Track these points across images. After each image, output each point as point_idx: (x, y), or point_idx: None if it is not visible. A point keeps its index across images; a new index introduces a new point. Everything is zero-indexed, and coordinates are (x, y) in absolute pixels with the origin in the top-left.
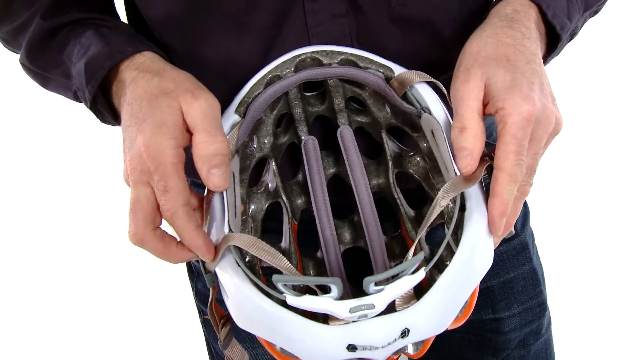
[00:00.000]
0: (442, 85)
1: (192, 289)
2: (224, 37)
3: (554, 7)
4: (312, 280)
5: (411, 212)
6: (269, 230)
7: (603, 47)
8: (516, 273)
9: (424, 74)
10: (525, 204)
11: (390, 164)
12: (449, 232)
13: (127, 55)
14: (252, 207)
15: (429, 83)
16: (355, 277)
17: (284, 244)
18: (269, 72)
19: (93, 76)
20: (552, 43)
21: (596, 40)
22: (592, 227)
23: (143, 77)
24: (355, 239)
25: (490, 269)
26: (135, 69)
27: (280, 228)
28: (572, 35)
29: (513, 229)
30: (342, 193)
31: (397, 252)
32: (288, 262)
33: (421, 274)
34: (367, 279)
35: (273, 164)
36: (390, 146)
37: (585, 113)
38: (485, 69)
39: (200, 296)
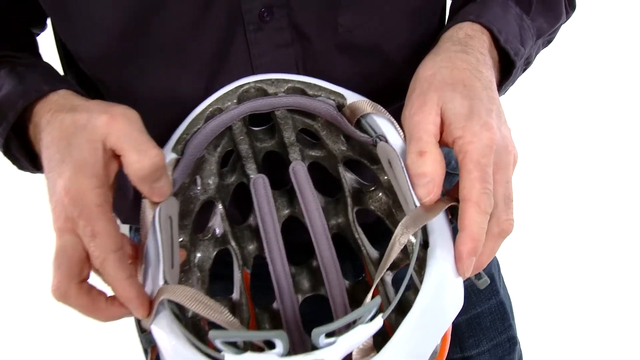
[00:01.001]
0: (392, 118)
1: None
2: (162, 72)
3: (506, 33)
4: (252, 335)
5: (374, 253)
6: (219, 277)
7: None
8: (483, 308)
9: (377, 105)
10: None
11: (349, 200)
12: (409, 272)
13: (42, 94)
14: (198, 255)
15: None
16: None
17: (235, 295)
18: (209, 105)
19: (5, 118)
20: (506, 70)
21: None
22: (562, 250)
23: (57, 117)
24: (315, 286)
25: None
26: (49, 109)
27: (231, 274)
28: (527, 64)
29: (486, 277)
30: (299, 235)
31: (361, 299)
32: (231, 316)
33: (378, 322)
34: (315, 331)
35: (220, 206)
36: (348, 181)
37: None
38: (442, 94)
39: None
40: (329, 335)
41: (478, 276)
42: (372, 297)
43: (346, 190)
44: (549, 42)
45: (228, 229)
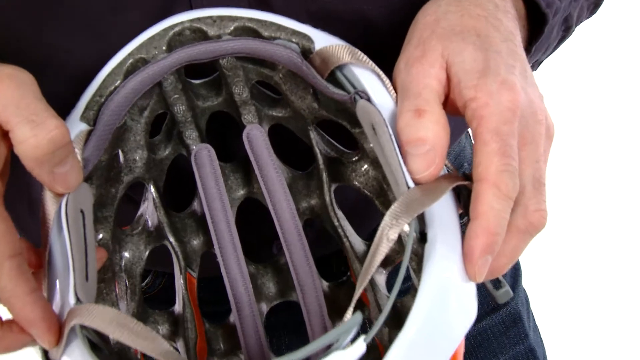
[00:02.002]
0: (379, 70)
1: None
2: (81, 45)
3: None
4: None
5: (361, 246)
6: (159, 282)
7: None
8: (508, 356)
9: (358, 52)
10: None
11: (324, 175)
12: (401, 272)
13: None
14: (126, 255)
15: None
16: (294, 342)
17: (178, 307)
18: (130, 54)
19: None
20: (537, 29)
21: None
22: (604, 281)
23: None
24: (284, 291)
25: (473, 353)
26: None
27: (171, 281)
28: (567, 28)
29: (508, 287)
30: (259, 224)
31: (344, 306)
32: (166, 345)
33: (359, 348)
34: None
35: (152, 189)
36: (322, 149)
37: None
38: (448, 44)
39: None
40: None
41: (497, 284)
42: (356, 308)
43: (320, 160)
44: (596, 5)
45: (164, 219)
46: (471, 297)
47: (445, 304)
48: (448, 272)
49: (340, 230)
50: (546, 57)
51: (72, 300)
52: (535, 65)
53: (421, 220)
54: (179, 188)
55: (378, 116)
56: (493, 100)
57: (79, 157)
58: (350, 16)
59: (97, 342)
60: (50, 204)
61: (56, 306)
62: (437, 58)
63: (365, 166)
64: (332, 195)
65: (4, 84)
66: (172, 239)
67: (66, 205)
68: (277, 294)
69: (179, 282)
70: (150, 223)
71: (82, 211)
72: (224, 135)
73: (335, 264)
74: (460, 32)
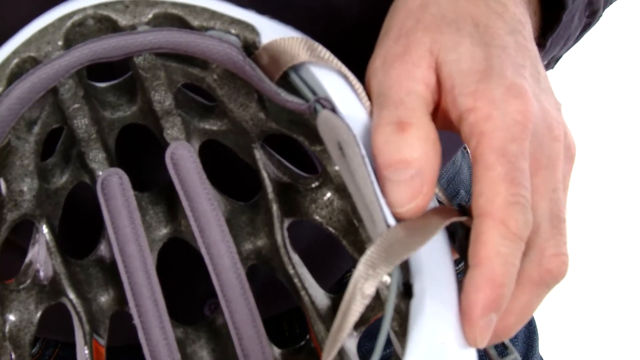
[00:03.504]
0: (346, 70)
1: None
2: None
3: None
4: None
5: (324, 300)
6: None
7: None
8: None
9: (318, 47)
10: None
11: (274, 207)
12: (381, 333)
13: None
14: (11, 318)
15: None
16: None
17: None
18: (14, 53)
19: None
20: (553, 15)
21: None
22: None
23: None
24: None
25: None
26: None
27: (72, 357)
28: (592, 12)
29: (517, 354)
30: (188, 274)
31: None
32: None
33: None
34: None
35: (45, 229)
36: (271, 173)
37: None
38: (437, 37)
39: None
40: None
41: (503, 350)
42: None
43: (269, 188)
44: None
45: (61, 269)
46: None
47: None
48: (441, 337)
49: (296, 280)
50: (565, 52)
51: None
52: (551, 63)
53: (405, 269)
54: (80, 227)
55: (347, 132)
56: (498, 110)
57: None
58: (314, 8)
59: None
60: None
61: None
62: (424, 55)
63: (329, 195)
64: (285, 234)
65: None
66: (72, 296)
67: None
68: None
69: (82, 352)
70: (42, 274)
71: None
72: (140, 156)
73: (288, 325)
74: (454, 20)
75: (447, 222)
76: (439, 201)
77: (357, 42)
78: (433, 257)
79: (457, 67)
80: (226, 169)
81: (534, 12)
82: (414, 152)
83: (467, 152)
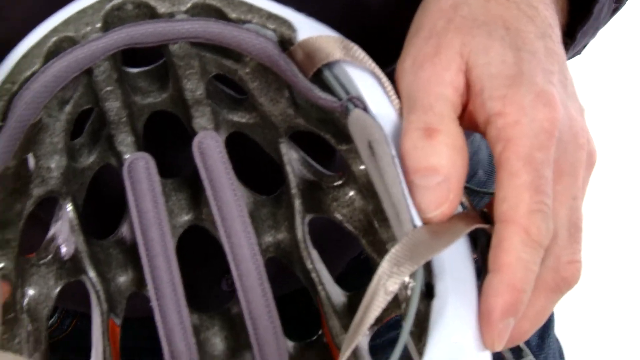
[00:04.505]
0: (379, 71)
1: None
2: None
3: None
4: None
5: (339, 297)
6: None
7: None
8: None
9: (353, 47)
10: None
11: (297, 203)
12: (402, 337)
13: None
14: (30, 292)
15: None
16: None
17: None
18: (53, 31)
19: None
20: (579, 11)
21: None
22: None
23: None
24: (235, 350)
25: None
26: None
27: (89, 329)
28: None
29: (532, 356)
30: (205, 261)
31: None
32: None
33: None
34: None
35: (69, 207)
36: (296, 169)
37: None
38: (468, 39)
39: None
40: None
41: (518, 353)
42: None
43: (292, 183)
44: None
45: (83, 247)
46: None
47: None
48: (460, 337)
49: (314, 275)
50: (592, 39)
51: None
52: (580, 50)
53: (428, 270)
54: (102, 208)
55: (378, 132)
56: (526, 117)
57: None
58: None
59: None
60: None
61: None
62: (454, 58)
63: (351, 194)
64: (306, 229)
65: None
66: (91, 274)
67: None
68: (226, 353)
69: (98, 331)
70: (63, 251)
71: None
72: (167, 143)
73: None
74: (485, 23)
75: (471, 228)
76: (463, 208)
77: (388, 40)
78: (455, 259)
79: (487, 71)
80: (250, 162)
81: (560, 9)
82: (441, 159)
83: None
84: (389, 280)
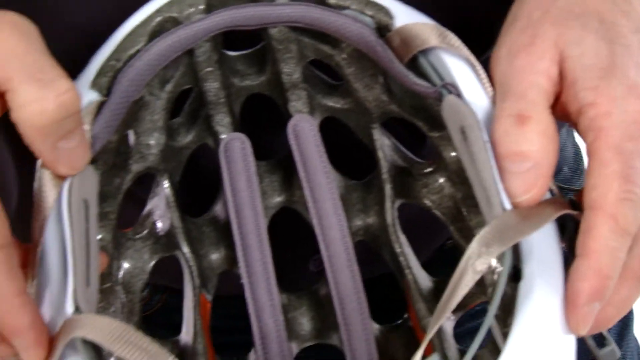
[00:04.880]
0: (474, 59)
1: None
2: None
3: None
4: None
5: (426, 282)
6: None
7: None
8: None
9: (449, 35)
10: None
11: (388, 187)
12: (487, 318)
13: None
14: (125, 265)
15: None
16: None
17: (186, 336)
18: (157, 11)
19: None
20: None
21: None
22: None
23: None
24: (321, 331)
25: None
26: None
27: (178, 305)
28: None
29: (615, 346)
30: (295, 242)
31: (399, 356)
32: None
33: None
34: None
35: (166, 184)
36: (388, 155)
37: None
38: (563, 30)
39: None
40: None
41: (600, 341)
42: (424, 357)
43: (384, 168)
44: None
45: (178, 224)
46: (570, 351)
47: (540, 356)
48: (547, 319)
49: (402, 259)
50: None
51: (69, 308)
52: None
53: (515, 253)
54: (197, 187)
55: (471, 117)
56: (618, 108)
57: (88, 135)
58: None
59: None
60: (48, 189)
61: (46, 315)
62: (548, 48)
63: (441, 181)
64: (395, 214)
65: (4, 33)
66: (186, 249)
67: (69, 191)
68: (312, 333)
69: (190, 304)
70: (159, 226)
71: (85, 202)
72: (262, 126)
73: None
74: (581, 15)
75: (560, 213)
76: (552, 194)
77: (476, 23)
78: (543, 244)
79: (581, 62)
80: (343, 147)
81: None
82: (532, 145)
83: (571, 130)
84: (478, 260)
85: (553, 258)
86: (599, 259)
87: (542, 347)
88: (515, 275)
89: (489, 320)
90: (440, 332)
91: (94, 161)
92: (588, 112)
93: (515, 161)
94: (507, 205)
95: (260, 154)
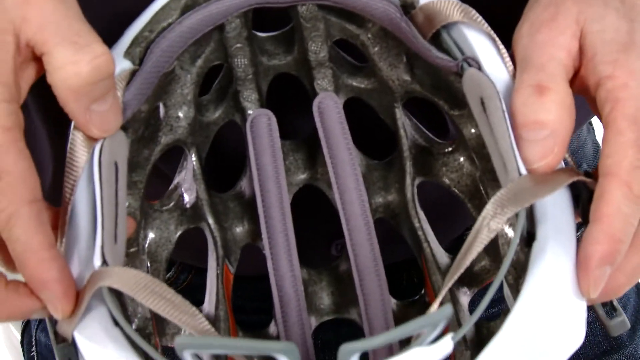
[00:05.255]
0: (493, 34)
1: (24, 340)
2: None
3: None
4: (245, 347)
5: (444, 258)
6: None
7: None
8: None
9: (472, 11)
10: (639, 291)
11: (408, 165)
12: (498, 277)
13: None
14: (151, 234)
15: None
16: None
17: (208, 305)
18: None
19: None
20: None
21: None
22: None
23: None
24: (340, 305)
25: None
26: None
27: (203, 284)
28: None
29: (625, 317)
30: (317, 219)
31: None
32: (207, 323)
33: (445, 346)
34: (345, 347)
35: (193, 157)
36: (409, 134)
37: None
38: (585, 7)
39: (45, 355)
40: (364, 357)
41: (611, 312)
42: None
43: (405, 148)
44: None
45: (204, 196)
46: (580, 315)
47: (548, 316)
48: (558, 279)
49: (420, 233)
50: None
51: (97, 262)
52: None
53: (530, 218)
54: (223, 164)
55: (491, 88)
56: (635, 81)
57: (120, 100)
58: None
59: (117, 315)
60: (80, 150)
61: (74, 270)
62: (570, 24)
63: (461, 160)
64: (415, 190)
65: (42, 1)
66: (210, 221)
67: (100, 152)
68: (331, 308)
69: (213, 274)
70: (186, 199)
71: (116, 164)
72: (288, 106)
73: (406, 276)
74: None
75: (574, 179)
76: (566, 164)
77: (503, 11)
78: (557, 209)
79: (601, 37)
80: (365, 128)
81: None
82: (550, 115)
83: (592, 128)
84: (493, 220)
85: (566, 223)
86: (611, 224)
87: (553, 307)
88: (529, 240)
89: (501, 276)
90: (456, 304)
91: (124, 128)
92: (606, 84)
93: (533, 129)
94: (523, 171)
95: (285, 133)
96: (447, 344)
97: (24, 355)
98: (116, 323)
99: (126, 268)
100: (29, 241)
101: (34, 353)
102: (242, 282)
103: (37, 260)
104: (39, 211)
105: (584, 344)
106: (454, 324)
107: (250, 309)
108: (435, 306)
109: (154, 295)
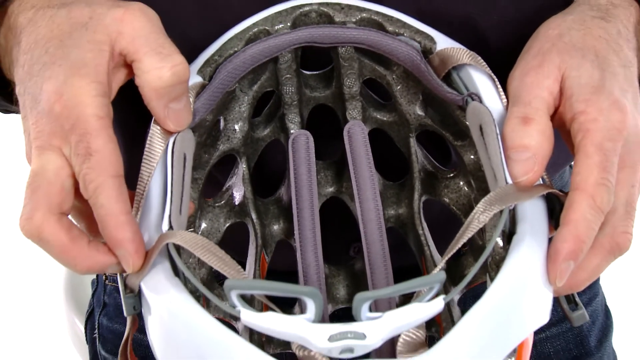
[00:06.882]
0: (493, 75)
1: (87, 326)
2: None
3: None
4: (279, 288)
5: (441, 263)
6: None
7: None
8: None
9: (477, 57)
10: (607, 311)
11: (417, 183)
12: (481, 257)
13: None
14: (204, 225)
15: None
16: None
17: None
18: (254, 24)
19: None
20: None
21: None
22: None
23: (44, 14)
24: (353, 297)
25: None
26: (32, 7)
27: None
28: None
29: (584, 311)
30: (340, 226)
31: None
32: (246, 275)
33: (438, 304)
34: (359, 296)
35: (244, 165)
36: (420, 160)
37: None
38: (566, 58)
39: (105, 335)
40: (375, 309)
41: (573, 305)
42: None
43: (415, 171)
44: None
45: (250, 196)
46: (546, 301)
47: (521, 293)
48: (531, 265)
49: (423, 238)
50: None
51: (165, 226)
52: None
53: (512, 220)
54: (266, 175)
55: (488, 116)
56: (602, 116)
57: (192, 104)
58: (459, 20)
59: (181, 265)
60: (157, 140)
61: (146, 235)
62: (553, 70)
63: (460, 184)
64: (421, 205)
65: (135, 15)
66: (254, 217)
67: (173, 143)
68: (346, 298)
69: (252, 258)
70: (236, 197)
71: (184, 155)
72: (323, 133)
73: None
74: (581, 49)
75: (549, 190)
76: (544, 181)
77: (492, 56)
78: (535, 213)
79: (577, 81)
80: (383, 156)
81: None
82: (532, 140)
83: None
84: (482, 214)
85: (541, 225)
86: (577, 227)
87: (525, 286)
88: (510, 237)
89: (483, 259)
90: (450, 303)
91: (192, 130)
92: (579, 118)
93: (519, 151)
94: (510, 181)
95: (318, 154)
96: (439, 302)
97: (86, 338)
98: (176, 274)
99: (187, 232)
100: (111, 207)
101: (96, 334)
102: (274, 275)
103: (116, 223)
104: (120, 184)
105: (557, 350)
106: (447, 320)
107: (277, 299)
108: (437, 270)
109: (209, 253)
